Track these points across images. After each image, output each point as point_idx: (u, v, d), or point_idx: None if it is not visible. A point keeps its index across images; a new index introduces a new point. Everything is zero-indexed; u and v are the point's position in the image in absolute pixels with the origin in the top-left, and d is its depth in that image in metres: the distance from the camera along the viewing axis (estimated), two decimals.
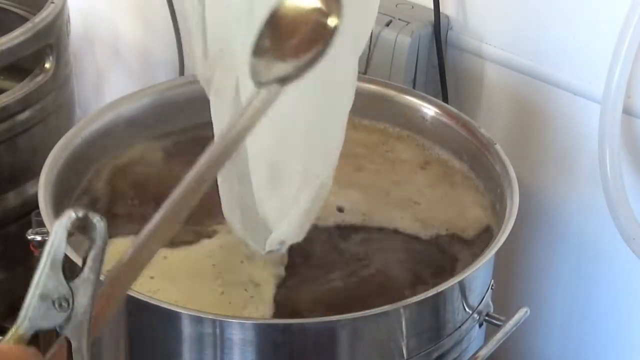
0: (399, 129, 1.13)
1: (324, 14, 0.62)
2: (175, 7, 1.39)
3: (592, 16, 1.11)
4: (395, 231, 0.99)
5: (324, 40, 0.62)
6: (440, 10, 1.20)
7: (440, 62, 1.22)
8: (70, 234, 0.50)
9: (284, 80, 0.61)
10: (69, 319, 0.51)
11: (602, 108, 1.07)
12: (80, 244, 0.52)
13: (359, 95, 1.13)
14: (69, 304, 0.51)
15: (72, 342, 0.51)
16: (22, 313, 0.49)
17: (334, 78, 0.85)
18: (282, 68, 0.61)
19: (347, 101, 0.88)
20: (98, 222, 0.50)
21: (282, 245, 0.89)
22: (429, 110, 1.12)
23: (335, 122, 0.88)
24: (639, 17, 1.01)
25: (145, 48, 1.61)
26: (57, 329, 0.51)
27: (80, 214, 0.49)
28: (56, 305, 0.50)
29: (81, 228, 0.50)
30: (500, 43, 1.20)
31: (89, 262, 0.51)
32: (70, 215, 0.49)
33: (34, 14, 1.26)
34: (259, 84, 0.61)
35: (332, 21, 0.62)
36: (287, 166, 0.86)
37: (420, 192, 1.05)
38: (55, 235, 0.49)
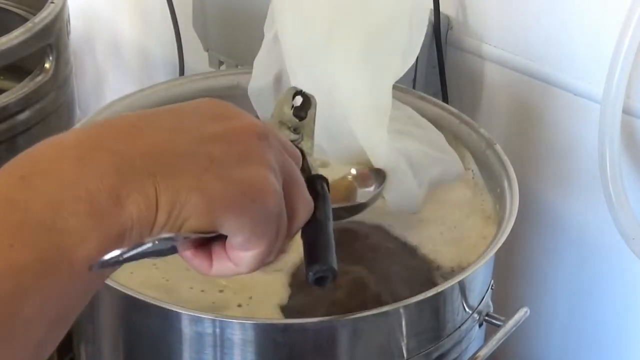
0: None
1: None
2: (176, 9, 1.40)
3: (592, 16, 1.11)
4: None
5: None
6: (440, 10, 1.20)
7: (440, 62, 1.22)
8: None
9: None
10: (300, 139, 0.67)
11: (602, 108, 1.07)
12: None
13: None
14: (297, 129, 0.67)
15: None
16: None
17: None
18: None
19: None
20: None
21: None
22: (429, 111, 1.11)
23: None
24: (638, 17, 1.01)
25: (145, 48, 1.61)
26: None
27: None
28: (291, 129, 0.67)
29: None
30: (500, 43, 1.20)
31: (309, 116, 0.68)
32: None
33: (34, 14, 1.26)
34: None
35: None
36: None
37: None
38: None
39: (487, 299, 0.96)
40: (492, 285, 0.98)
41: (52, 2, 1.27)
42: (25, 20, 1.27)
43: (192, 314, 0.83)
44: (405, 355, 0.88)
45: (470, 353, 0.94)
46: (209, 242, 0.54)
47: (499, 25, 1.20)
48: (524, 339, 1.29)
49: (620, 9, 1.03)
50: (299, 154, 0.62)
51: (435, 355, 0.90)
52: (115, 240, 0.47)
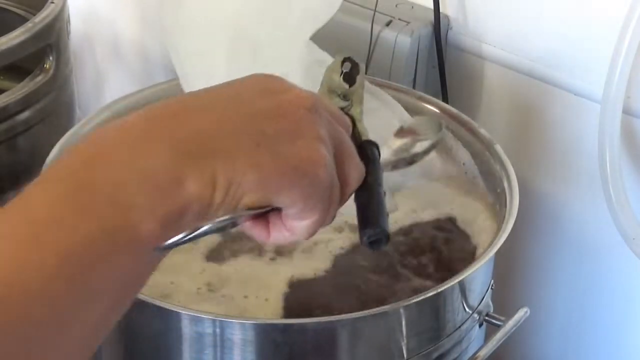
0: None
1: None
2: None
3: (592, 16, 1.11)
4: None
5: None
6: (440, 10, 1.20)
7: (440, 62, 1.22)
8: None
9: None
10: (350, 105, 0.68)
11: (602, 108, 1.07)
12: None
13: None
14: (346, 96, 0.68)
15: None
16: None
17: None
18: None
19: None
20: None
21: None
22: (429, 110, 1.11)
23: None
24: (638, 17, 1.01)
25: (145, 48, 1.61)
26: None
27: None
28: (340, 96, 0.68)
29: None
30: (500, 43, 1.20)
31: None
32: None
33: (34, 14, 1.26)
34: None
35: None
36: None
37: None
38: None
39: (487, 299, 0.96)
40: (492, 285, 0.98)
41: (52, 2, 1.27)
42: (25, 20, 1.27)
43: (192, 314, 0.83)
44: (405, 355, 0.88)
45: (470, 353, 0.94)
46: (266, 213, 0.56)
47: (499, 25, 1.20)
48: (524, 339, 1.29)
49: (620, 9, 1.03)
50: (349, 121, 0.63)
51: (435, 355, 0.90)
52: (176, 218, 0.49)
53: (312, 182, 0.54)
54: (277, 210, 0.55)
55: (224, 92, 0.55)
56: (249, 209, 0.53)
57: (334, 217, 0.58)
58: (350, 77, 0.69)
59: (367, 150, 0.64)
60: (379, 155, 0.65)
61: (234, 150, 0.51)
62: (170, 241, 0.49)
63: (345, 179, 0.58)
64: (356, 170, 0.59)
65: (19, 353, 0.44)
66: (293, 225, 0.56)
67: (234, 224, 0.53)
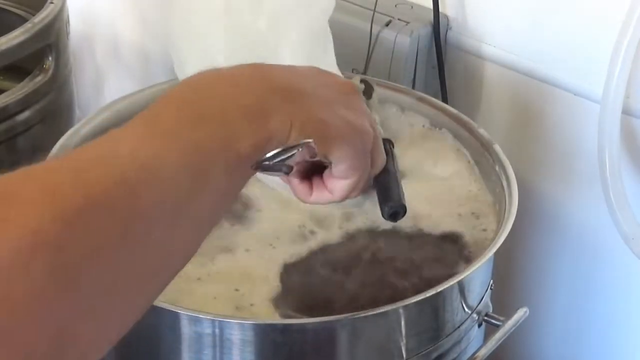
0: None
1: None
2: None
3: (592, 16, 1.11)
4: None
5: None
6: (440, 10, 1.20)
7: (439, 62, 1.22)
8: None
9: None
10: None
11: (601, 108, 1.07)
12: None
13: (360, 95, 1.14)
14: None
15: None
16: None
17: None
18: None
19: None
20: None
21: None
22: (429, 111, 1.12)
23: None
24: (638, 17, 1.01)
25: (145, 48, 1.61)
26: None
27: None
28: None
29: None
30: (500, 43, 1.20)
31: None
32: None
33: (34, 14, 1.26)
34: None
35: None
36: None
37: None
38: None
39: (487, 298, 0.96)
40: (491, 285, 0.98)
41: (52, 2, 1.27)
42: (25, 20, 1.27)
43: (191, 314, 0.83)
44: (404, 355, 0.88)
45: (469, 353, 0.94)
46: (312, 175, 0.69)
47: (499, 25, 1.20)
48: (524, 339, 1.29)
49: (620, 9, 1.03)
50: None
51: (434, 355, 0.90)
52: (264, 143, 0.59)
53: (361, 144, 0.66)
54: (320, 173, 0.68)
55: (292, 68, 0.68)
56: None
57: (363, 188, 0.70)
58: (367, 93, 0.86)
59: (385, 145, 0.76)
60: (393, 149, 0.79)
61: (307, 102, 0.63)
62: (264, 156, 0.59)
63: (373, 160, 0.70)
64: (381, 156, 0.73)
65: (155, 233, 0.51)
66: (334, 185, 0.68)
67: (291, 168, 0.61)
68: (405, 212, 0.77)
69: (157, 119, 0.56)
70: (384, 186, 0.76)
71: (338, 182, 0.68)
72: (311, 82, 0.66)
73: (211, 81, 0.61)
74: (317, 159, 0.65)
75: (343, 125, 0.65)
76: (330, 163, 0.67)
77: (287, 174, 0.62)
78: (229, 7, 0.99)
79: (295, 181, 0.69)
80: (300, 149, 0.61)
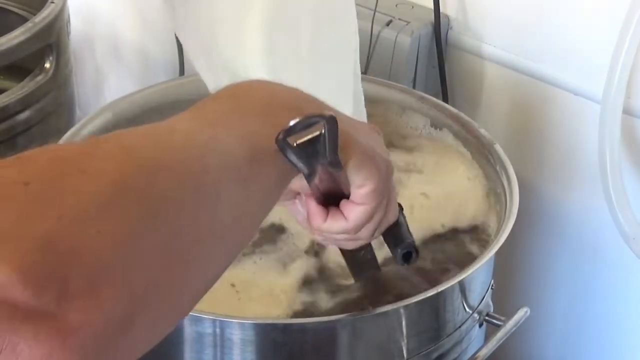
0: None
1: None
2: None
3: (592, 16, 1.11)
4: None
5: None
6: (440, 10, 1.20)
7: (440, 62, 1.22)
8: None
9: None
10: None
11: (602, 108, 1.07)
12: None
13: None
14: None
15: None
16: None
17: None
18: None
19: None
20: None
21: None
22: (430, 110, 1.12)
23: None
24: (639, 17, 1.01)
25: (145, 48, 1.61)
26: None
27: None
28: None
29: None
30: (500, 43, 1.20)
31: None
32: None
33: (34, 14, 1.26)
34: None
35: None
36: None
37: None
38: None
39: (487, 298, 0.96)
40: (492, 285, 0.98)
41: (52, 2, 1.27)
42: (25, 20, 1.27)
43: (192, 313, 0.83)
44: (405, 355, 0.88)
45: (470, 353, 0.94)
46: (329, 204, 0.68)
47: (499, 25, 1.20)
48: (524, 339, 1.29)
49: (620, 9, 1.03)
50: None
51: (435, 355, 0.90)
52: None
53: (385, 169, 0.67)
54: (337, 204, 0.68)
55: None
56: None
57: (377, 229, 0.71)
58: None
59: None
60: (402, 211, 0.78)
61: (341, 118, 0.62)
62: (298, 141, 0.59)
63: (388, 209, 0.71)
64: (394, 206, 0.73)
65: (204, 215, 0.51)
66: (350, 211, 0.68)
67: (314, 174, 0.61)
68: (418, 253, 0.77)
69: (204, 112, 0.58)
70: (395, 234, 0.77)
71: (355, 207, 0.68)
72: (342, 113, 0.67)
73: (254, 85, 0.64)
74: (340, 174, 0.64)
75: (371, 148, 0.66)
76: (348, 191, 0.67)
77: (308, 177, 0.61)
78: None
79: (312, 204, 0.69)
80: (323, 125, 0.60)
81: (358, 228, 0.69)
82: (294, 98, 0.63)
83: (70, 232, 0.43)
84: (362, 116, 0.97)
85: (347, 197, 0.68)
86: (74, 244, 0.43)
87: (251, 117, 0.59)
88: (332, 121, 0.60)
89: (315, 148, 0.60)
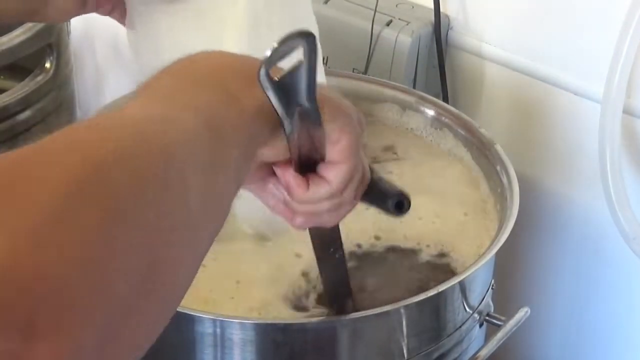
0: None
1: None
2: None
3: (593, 16, 1.11)
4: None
5: None
6: (441, 10, 1.20)
7: (440, 61, 1.22)
8: None
9: None
10: None
11: (602, 108, 1.07)
12: None
13: (360, 95, 1.14)
14: None
15: None
16: None
17: None
18: None
19: None
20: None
21: None
22: (429, 110, 1.12)
23: None
24: (639, 17, 1.01)
25: None
26: None
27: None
28: None
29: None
30: (500, 43, 1.20)
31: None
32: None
33: None
34: None
35: None
36: None
37: None
38: None
39: (488, 299, 0.96)
40: (492, 285, 0.98)
41: None
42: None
43: (192, 313, 0.83)
44: (405, 355, 0.88)
45: (470, 353, 0.94)
46: (306, 172, 0.66)
47: (499, 25, 1.20)
48: (525, 339, 1.29)
49: (620, 9, 1.03)
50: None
51: (435, 355, 0.90)
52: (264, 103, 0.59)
53: (359, 127, 0.65)
54: (314, 170, 0.66)
55: None
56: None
57: (357, 192, 0.69)
58: None
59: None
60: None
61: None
62: (267, 55, 0.56)
63: (364, 169, 0.70)
64: (367, 165, 0.71)
65: (190, 181, 0.49)
66: (330, 173, 0.66)
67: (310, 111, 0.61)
68: (409, 202, 0.74)
69: (153, 89, 0.56)
70: (379, 189, 0.73)
71: (335, 167, 0.66)
72: None
73: (208, 55, 0.62)
74: (316, 130, 0.63)
75: (339, 99, 0.65)
76: (324, 154, 0.66)
77: (288, 131, 0.60)
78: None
79: (291, 174, 0.66)
80: (300, 45, 0.57)
81: (342, 189, 0.67)
82: (245, 63, 0.61)
83: (27, 252, 0.38)
84: None
85: (323, 160, 0.66)
86: (34, 269, 0.37)
87: (201, 90, 0.57)
88: (311, 39, 0.57)
89: (295, 80, 0.58)
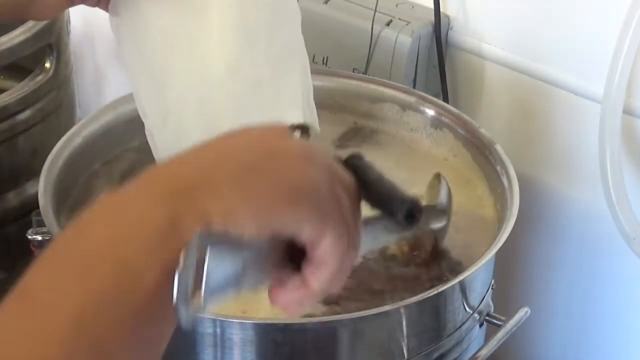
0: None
1: None
2: None
3: (593, 16, 1.11)
4: None
5: None
6: (441, 10, 1.20)
7: (440, 61, 1.22)
8: None
9: None
10: None
11: (602, 108, 1.07)
12: None
13: (360, 95, 1.14)
14: None
15: None
16: None
17: None
18: None
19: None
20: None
21: None
22: (429, 110, 1.12)
23: None
24: (639, 17, 1.01)
25: None
26: None
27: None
28: None
29: None
30: (500, 43, 1.20)
31: None
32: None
33: None
34: None
35: None
36: None
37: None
38: None
39: (488, 298, 0.96)
40: (492, 285, 0.98)
41: None
42: (26, 20, 1.27)
43: None
44: (405, 355, 0.88)
45: (470, 353, 0.94)
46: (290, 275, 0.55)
47: (499, 25, 1.20)
48: (525, 339, 1.29)
49: (620, 9, 1.03)
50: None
51: (435, 355, 0.90)
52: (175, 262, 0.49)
53: (312, 195, 0.52)
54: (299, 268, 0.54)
55: (210, 143, 0.54)
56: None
57: (355, 247, 0.56)
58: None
59: (351, 160, 0.61)
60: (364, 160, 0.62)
61: (218, 182, 0.50)
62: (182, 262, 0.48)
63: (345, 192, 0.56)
64: (348, 184, 0.56)
65: None
66: (319, 257, 0.53)
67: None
68: (421, 210, 0.60)
69: (28, 293, 0.51)
70: (380, 196, 0.60)
71: (318, 250, 0.53)
72: (225, 160, 0.52)
73: (98, 207, 0.51)
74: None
75: (276, 188, 0.51)
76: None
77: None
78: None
79: (281, 300, 0.56)
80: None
81: (327, 290, 0.55)
82: (157, 215, 0.49)
83: None
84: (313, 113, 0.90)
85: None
86: None
87: (89, 277, 0.48)
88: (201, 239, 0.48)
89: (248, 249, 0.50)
